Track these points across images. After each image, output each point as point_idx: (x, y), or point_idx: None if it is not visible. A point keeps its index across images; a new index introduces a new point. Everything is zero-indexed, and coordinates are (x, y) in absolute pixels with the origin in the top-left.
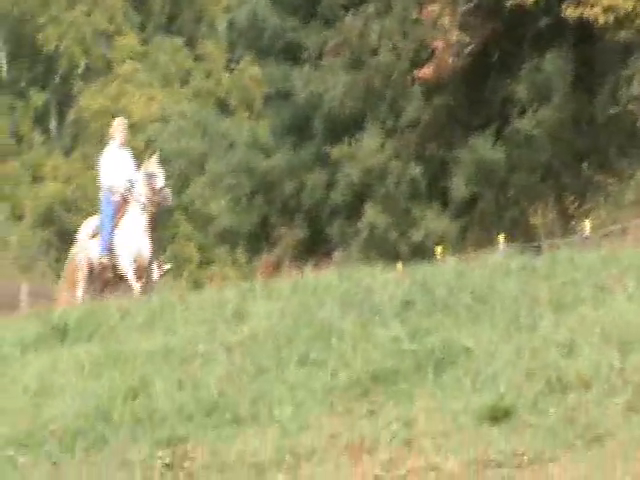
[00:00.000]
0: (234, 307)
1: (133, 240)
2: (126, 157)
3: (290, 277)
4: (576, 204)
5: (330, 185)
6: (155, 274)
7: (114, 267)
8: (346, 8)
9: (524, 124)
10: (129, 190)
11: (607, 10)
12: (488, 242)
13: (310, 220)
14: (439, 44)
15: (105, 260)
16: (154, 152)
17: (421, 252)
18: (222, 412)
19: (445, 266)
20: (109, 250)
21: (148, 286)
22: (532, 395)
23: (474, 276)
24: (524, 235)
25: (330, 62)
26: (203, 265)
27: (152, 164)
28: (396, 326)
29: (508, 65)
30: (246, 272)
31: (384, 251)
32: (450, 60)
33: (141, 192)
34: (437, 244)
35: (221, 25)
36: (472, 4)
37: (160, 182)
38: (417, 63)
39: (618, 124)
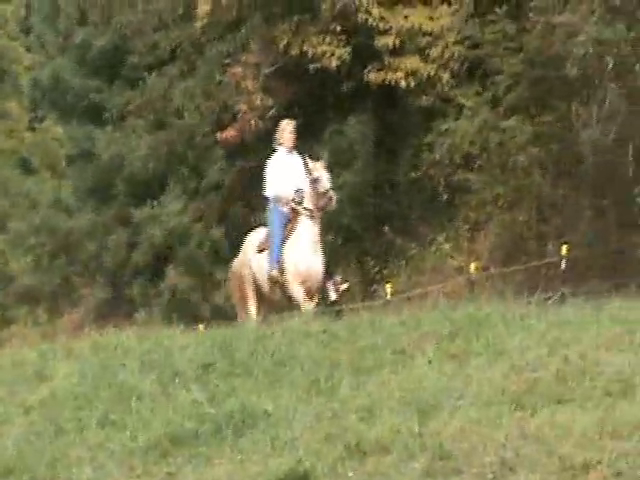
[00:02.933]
0: (34, 367)
1: (304, 256)
2: (295, 163)
3: (91, 337)
4: (377, 268)
5: (132, 246)
6: (332, 294)
7: (283, 285)
8: (150, 69)
9: None
10: (299, 200)
11: (409, 75)
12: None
13: (112, 281)
14: (242, 106)
15: (275, 274)
16: (318, 158)
17: (223, 314)
18: (20, 474)
19: (246, 328)
20: (279, 265)
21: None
22: (331, 459)
23: (275, 339)
24: (325, 299)
25: (133, 123)
26: (3, 325)
27: (318, 168)
28: (196, 389)
29: (311, 128)
30: (47, 332)
31: (186, 313)
32: (253, 123)
33: (309, 202)
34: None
35: (24, 83)
36: (275, 67)
37: (325, 185)
38: (220, 125)
39: (419, 189)
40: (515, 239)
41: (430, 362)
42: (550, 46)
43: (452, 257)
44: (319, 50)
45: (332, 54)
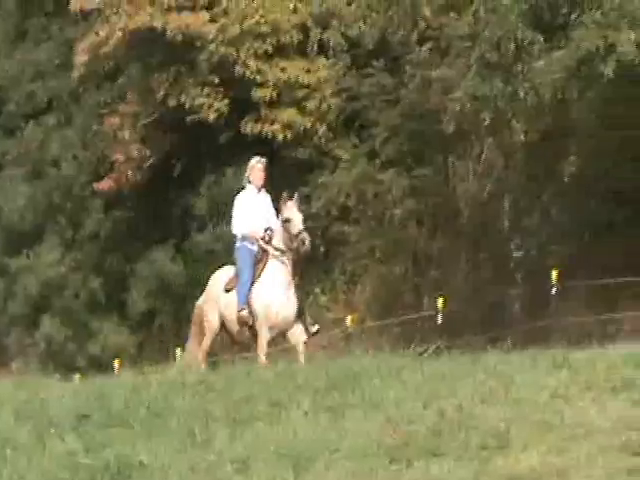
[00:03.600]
0: None
1: (275, 299)
2: (265, 202)
3: None
4: None
5: (8, 296)
6: (302, 337)
7: (252, 327)
8: (27, 118)
9: (204, 238)
10: (268, 239)
11: (286, 127)
12: (166, 356)
13: None
14: (119, 157)
15: (245, 314)
16: (290, 196)
17: (99, 365)
18: None
19: (122, 379)
20: (248, 305)
21: (298, 351)
22: None
23: (150, 390)
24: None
25: (10, 173)
26: None
27: (289, 208)
28: (72, 439)
29: (189, 179)
30: None
31: (62, 363)
32: (130, 173)
33: (279, 241)
34: (115, 357)
35: None
36: (153, 118)
37: (297, 227)
38: (98, 175)
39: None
40: (391, 292)
41: (306, 414)
42: (427, 100)
43: (329, 309)
44: (197, 101)
45: (210, 106)
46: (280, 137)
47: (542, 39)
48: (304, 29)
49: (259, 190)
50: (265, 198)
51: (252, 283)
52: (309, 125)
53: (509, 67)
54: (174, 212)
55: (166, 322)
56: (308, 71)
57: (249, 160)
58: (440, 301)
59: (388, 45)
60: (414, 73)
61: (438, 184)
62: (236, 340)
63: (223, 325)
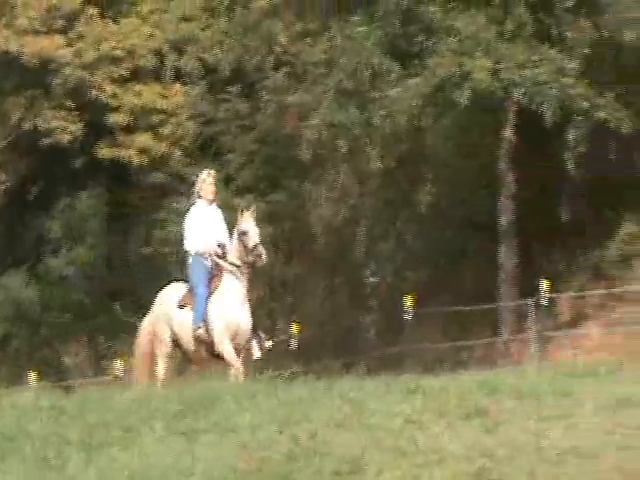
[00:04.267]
0: None
1: (231, 311)
2: (216, 216)
3: None
4: (107, 344)
5: None
6: (256, 352)
7: (209, 344)
8: None
9: (58, 262)
10: (221, 254)
11: (141, 152)
12: (20, 380)
13: None
14: None
15: (202, 333)
16: (248, 207)
17: None
18: None
19: None
20: (205, 323)
21: (246, 366)
22: None
23: (3, 414)
24: (56, 374)
25: None
26: None
27: (245, 220)
28: None
29: (44, 203)
30: None
31: None
32: None
33: (235, 255)
34: None
35: None
36: (8, 141)
37: (253, 240)
38: None
39: (151, 265)
40: None
41: (160, 439)
42: (283, 125)
43: None
44: (52, 125)
45: (64, 129)
46: (136, 162)
47: (398, 67)
48: (160, 54)
49: (210, 204)
50: (216, 212)
51: (208, 300)
52: (165, 150)
53: (365, 94)
54: (28, 236)
55: (21, 346)
56: (164, 96)
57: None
58: (295, 326)
59: (244, 71)
60: (270, 99)
61: (294, 209)
62: (192, 360)
63: (176, 344)
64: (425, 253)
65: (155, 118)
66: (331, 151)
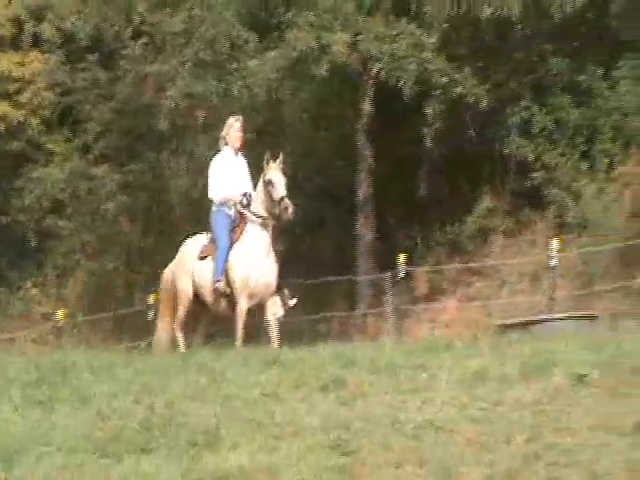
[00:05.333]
0: None
1: (253, 267)
2: (242, 165)
3: None
4: None
5: None
6: (279, 311)
7: (229, 296)
8: None
9: None
10: (246, 204)
11: None
12: None
13: None
14: None
15: (221, 286)
16: (276, 155)
17: None
18: None
19: None
20: (225, 274)
21: (271, 325)
22: None
23: None
24: None
25: None
26: None
27: (272, 170)
28: None
29: None
30: None
31: None
32: None
33: (259, 205)
34: None
35: None
36: None
37: (279, 191)
38: None
39: (9, 234)
40: (103, 287)
41: (16, 408)
42: (141, 95)
43: (40, 303)
44: None
45: None
46: None
47: (257, 38)
48: (18, 22)
49: (236, 151)
50: (242, 161)
51: (229, 251)
52: (22, 118)
53: (223, 65)
54: None
55: None
56: (21, 64)
57: None
58: (151, 297)
59: (103, 40)
60: (129, 68)
61: (152, 180)
62: (213, 311)
63: (196, 295)
64: (284, 224)
65: (12, 86)
66: (189, 121)
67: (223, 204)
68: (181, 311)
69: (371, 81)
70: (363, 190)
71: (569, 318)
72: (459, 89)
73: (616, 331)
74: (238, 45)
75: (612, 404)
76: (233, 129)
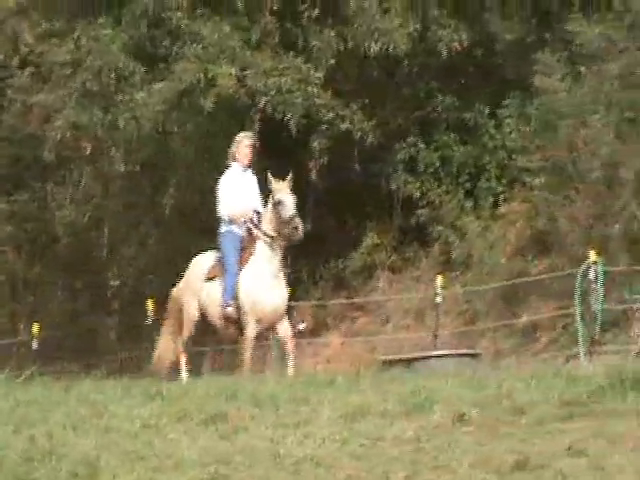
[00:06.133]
0: None
1: (263, 289)
2: (251, 182)
3: None
4: None
5: None
6: (289, 333)
7: (238, 320)
8: None
9: None
10: (255, 222)
11: None
12: None
13: None
14: None
15: (230, 311)
16: (286, 175)
17: None
18: None
19: None
20: (235, 298)
21: (289, 348)
22: None
23: None
24: None
25: None
26: None
27: (281, 190)
28: None
29: None
30: None
31: None
32: None
33: (269, 225)
34: None
35: None
36: None
37: (289, 211)
38: None
39: None
40: None
41: None
42: (27, 125)
43: None
44: None
45: None
46: None
47: (143, 70)
48: None
49: (245, 168)
50: (251, 178)
51: (238, 272)
52: None
53: (110, 97)
54: None
55: None
56: None
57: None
58: (35, 327)
59: None
60: (15, 98)
61: (37, 210)
62: (222, 334)
63: (204, 316)
64: (168, 257)
65: None
66: (75, 152)
67: (232, 222)
68: (186, 333)
69: (258, 115)
70: None
71: (452, 355)
72: (346, 124)
73: (498, 369)
74: (125, 76)
75: (492, 443)
76: (242, 145)
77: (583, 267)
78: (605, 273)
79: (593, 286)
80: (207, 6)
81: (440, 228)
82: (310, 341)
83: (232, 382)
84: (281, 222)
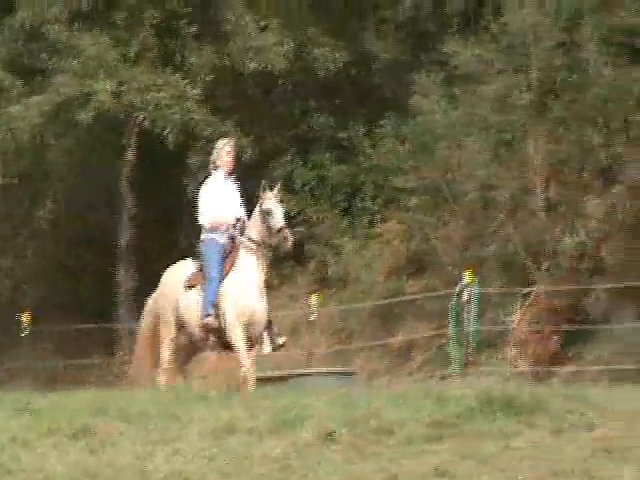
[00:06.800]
0: None
1: (246, 296)
2: (233, 189)
3: None
4: None
5: None
6: (266, 346)
7: (219, 331)
8: None
9: None
10: (238, 230)
11: None
12: None
13: None
14: None
15: (211, 321)
16: (273, 183)
17: None
18: None
19: None
20: (216, 308)
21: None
22: None
23: None
24: None
25: None
26: None
27: (269, 199)
28: None
29: None
30: None
31: None
32: None
33: (254, 233)
34: None
35: None
36: None
37: (279, 221)
38: None
39: None
40: None
41: None
42: None
43: None
44: None
45: None
46: None
47: (21, 84)
48: None
49: (227, 175)
50: (233, 185)
51: (221, 282)
52: None
53: None
54: None
55: None
56: None
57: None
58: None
59: None
60: None
61: None
62: (198, 348)
63: (182, 329)
64: (44, 269)
65: None
66: None
67: (214, 230)
68: (165, 352)
69: (135, 129)
70: (125, 238)
71: (326, 374)
72: None
73: (371, 388)
74: (1, 90)
75: (360, 462)
76: (223, 152)
77: (458, 288)
78: (480, 294)
79: (467, 307)
80: (86, 19)
81: (316, 246)
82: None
83: (103, 396)
84: (270, 232)
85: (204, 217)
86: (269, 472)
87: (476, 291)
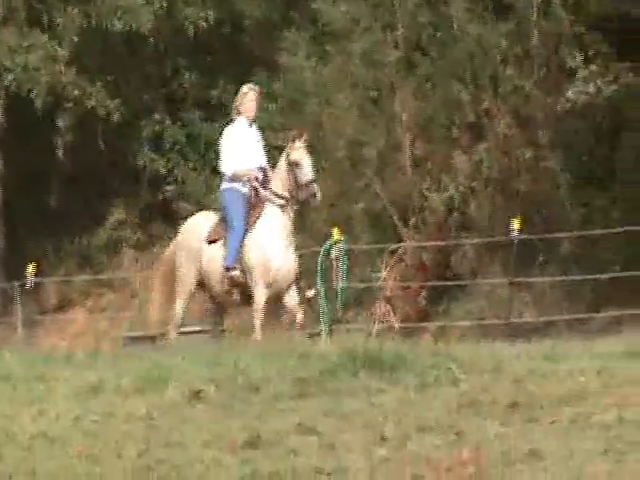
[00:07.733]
0: None
1: (275, 252)
2: (257, 137)
3: None
4: None
5: None
6: (296, 302)
7: (244, 285)
8: None
9: None
10: (262, 180)
11: None
12: None
13: None
14: None
15: (236, 275)
16: (300, 134)
17: None
18: None
19: None
20: (239, 263)
21: (299, 319)
22: None
23: None
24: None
25: None
26: None
27: (297, 150)
28: None
29: None
30: None
31: None
32: None
33: (281, 187)
34: None
35: None
36: None
37: (307, 174)
38: None
39: None
40: None
41: None
42: None
43: None
44: None
45: None
46: None
47: None
48: None
49: (250, 122)
50: (257, 132)
51: (245, 235)
52: None
53: None
54: None
55: None
56: None
57: None
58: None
59: None
60: None
61: None
62: (220, 303)
63: (202, 284)
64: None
65: None
66: None
67: (236, 180)
68: (179, 307)
69: (3, 92)
70: None
71: (196, 332)
72: (91, 102)
73: (239, 346)
74: None
75: (226, 420)
76: (247, 98)
77: (326, 245)
78: (348, 251)
79: (336, 264)
80: None
81: (187, 205)
82: (55, 317)
83: None
84: (297, 185)
85: (226, 166)
86: (134, 431)
87: (344, 248)
